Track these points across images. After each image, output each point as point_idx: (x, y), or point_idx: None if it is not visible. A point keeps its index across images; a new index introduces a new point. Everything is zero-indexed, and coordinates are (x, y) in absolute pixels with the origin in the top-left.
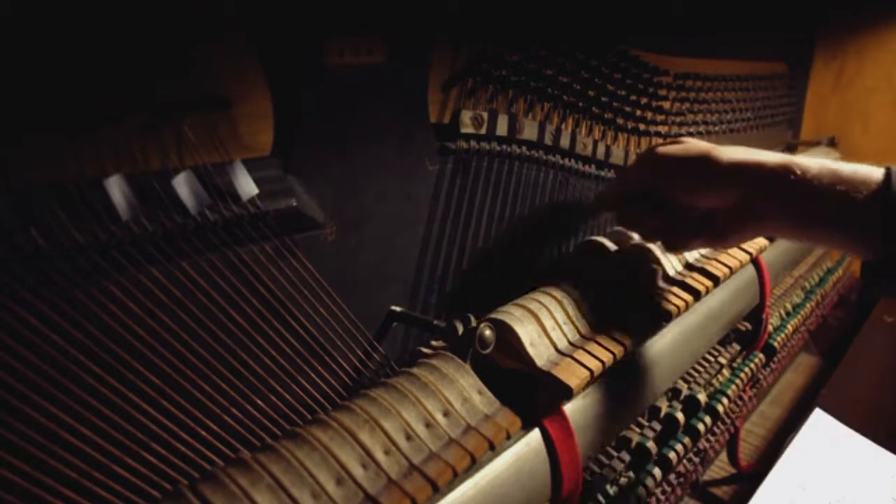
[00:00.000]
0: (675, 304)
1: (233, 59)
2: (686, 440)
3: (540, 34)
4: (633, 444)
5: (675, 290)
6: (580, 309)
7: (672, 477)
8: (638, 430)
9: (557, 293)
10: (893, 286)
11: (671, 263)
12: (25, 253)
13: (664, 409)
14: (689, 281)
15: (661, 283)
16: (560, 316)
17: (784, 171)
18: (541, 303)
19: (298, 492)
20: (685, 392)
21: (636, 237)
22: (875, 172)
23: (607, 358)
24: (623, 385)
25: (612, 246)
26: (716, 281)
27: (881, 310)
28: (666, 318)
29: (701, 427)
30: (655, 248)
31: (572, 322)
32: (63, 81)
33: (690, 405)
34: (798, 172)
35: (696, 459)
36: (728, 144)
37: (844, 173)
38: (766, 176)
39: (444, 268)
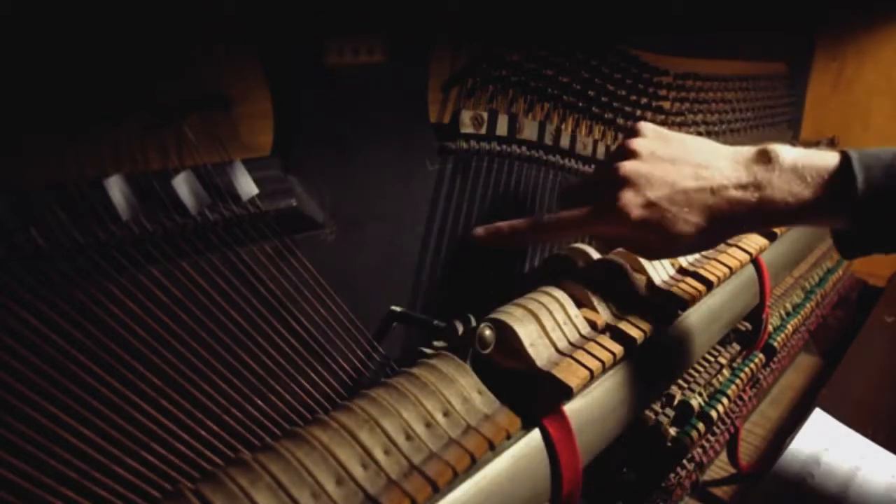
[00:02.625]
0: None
1: (233, 59)
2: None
3: (540, 34)
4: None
5: (686, 281)
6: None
7: (672, 476)
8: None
9: (558, 293)
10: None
11: (664, 268)
12: (25, 253)
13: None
14: (682, 285)
15: (659, 284)
16: (560, 316)
17: (740, 205)
18: (541, 303)
19: (298, 492)
20: (685, 391)
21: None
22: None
23: (607, 358)
24: (623, 385)
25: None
26: (710, 285)
27: (881, 310)
28: (666, 321)
29: (701, 427)
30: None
31: (572, 322)
32: (63, 81)
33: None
34: (753, 200)
35: (696, 460)
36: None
37: (803, 170)
38: (726, 219)
39: (444, 268)
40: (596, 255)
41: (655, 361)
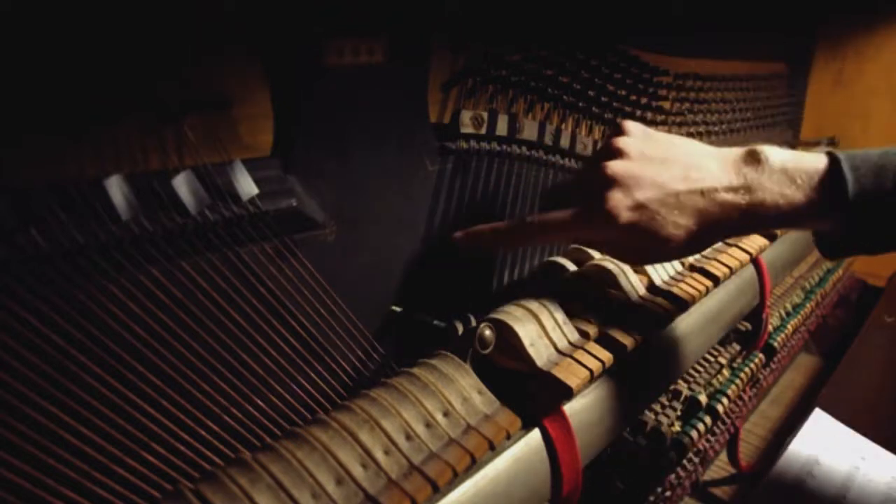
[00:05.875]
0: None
1: (233, 59)
2: (685, 440)
3: (540, 34)
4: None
5: (686, 282)
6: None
7: (672, 477)
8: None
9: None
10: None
11: (664, 269)
12: (25, 253)
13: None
14: (682, 285)
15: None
16: (560, 316)
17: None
18: (541, 303)
19: (298, 492)
20: (685, 393)
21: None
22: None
23: (607, 358)
24: (624, 385)
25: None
26: (716, 281)
27: (881, 310)
28: (666, 321)
29: (701, 427)
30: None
31: (572, 322)
32: (63, 81)
33: (691, 406)
34: (743, 203)
35: (697, 459)
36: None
37: (793, 172)
38: (716, 223)
39: (443, 268)
40: (598, 255)
41: (655, 362)
